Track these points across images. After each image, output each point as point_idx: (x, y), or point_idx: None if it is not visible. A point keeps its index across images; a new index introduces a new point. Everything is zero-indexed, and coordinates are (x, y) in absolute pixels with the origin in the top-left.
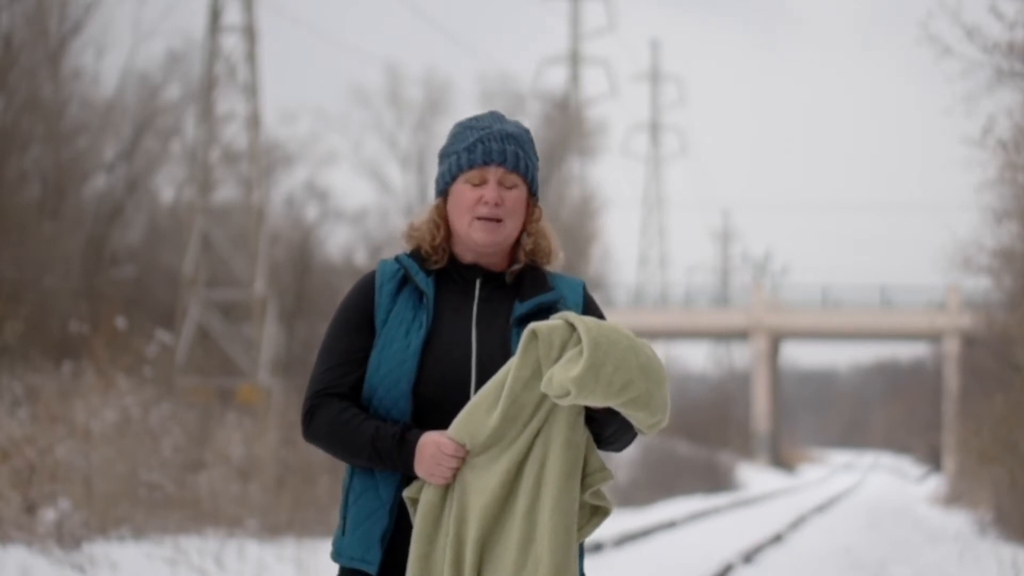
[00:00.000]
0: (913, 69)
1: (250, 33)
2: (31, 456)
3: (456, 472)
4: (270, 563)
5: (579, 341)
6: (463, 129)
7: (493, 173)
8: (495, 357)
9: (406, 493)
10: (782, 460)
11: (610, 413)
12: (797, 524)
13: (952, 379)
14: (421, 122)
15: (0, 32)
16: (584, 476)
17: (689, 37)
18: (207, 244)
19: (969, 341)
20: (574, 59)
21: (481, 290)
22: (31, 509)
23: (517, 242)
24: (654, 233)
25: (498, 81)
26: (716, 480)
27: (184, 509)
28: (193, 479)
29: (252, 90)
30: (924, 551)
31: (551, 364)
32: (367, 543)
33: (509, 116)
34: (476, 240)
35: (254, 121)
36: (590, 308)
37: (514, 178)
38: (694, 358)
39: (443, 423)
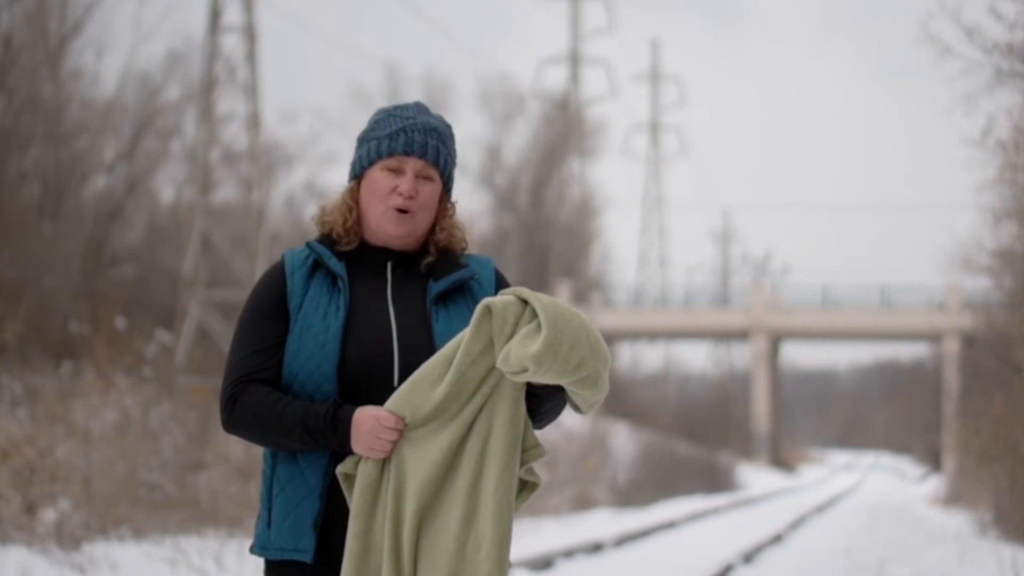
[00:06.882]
0: (913, 69)
1: (250, 33)
2: (31, 456)
3: (394, 446)
4: None
5: (532, 317)
6: (385, 116)
7: (411, 164)
8: (418, 336)
9: (340, 469)
10: (782, 460)
11: (551, 389)
12: (797, 524)
13: (952, 379)
14: None
15: (0, 32)
16: (521, 452)
17: (689, 37)
18: (207, 244)
19: (969, 341)
20: (574, 59)
21: (393, 272)
22: (31, 509)
23: (429, 233)
24: (654, 233)
25: (498, 81)
26: (716, 480)
27: (184, 509)
28: (193, 479)
29: (252, 90)
30: (924, 551)
31: (504, 340)
32: (299, 531)
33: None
34: (386, 230)
35: (254, 121)
36: (502, 285)
37: (431, 171)
38: (694, 358)
39: (367, 403)
